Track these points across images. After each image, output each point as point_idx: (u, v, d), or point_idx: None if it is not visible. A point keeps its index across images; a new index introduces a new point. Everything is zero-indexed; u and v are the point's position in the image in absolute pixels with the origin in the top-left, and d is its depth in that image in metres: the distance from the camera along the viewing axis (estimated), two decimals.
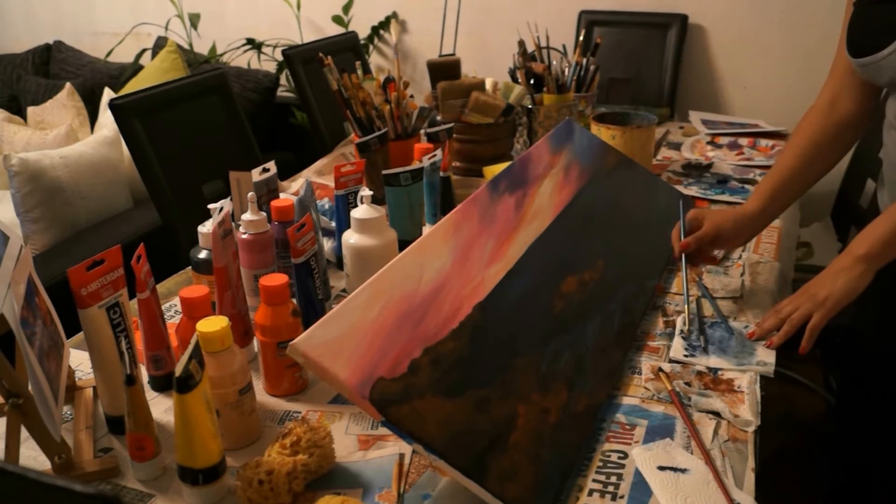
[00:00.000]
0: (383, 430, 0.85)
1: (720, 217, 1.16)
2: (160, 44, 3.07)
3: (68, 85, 2.80)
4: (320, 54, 1.64)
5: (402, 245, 1.05)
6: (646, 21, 2.48)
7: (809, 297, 1.00)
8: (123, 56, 3.14)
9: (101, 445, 0.86)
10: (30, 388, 0.73)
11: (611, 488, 0.77)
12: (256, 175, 1.17)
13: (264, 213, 1.06)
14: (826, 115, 1.13)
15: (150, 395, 0.92)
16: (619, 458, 0.81)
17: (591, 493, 0.76)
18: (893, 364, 1.10)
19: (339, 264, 1.23)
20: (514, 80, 1.85)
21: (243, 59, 3.04)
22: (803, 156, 1.14)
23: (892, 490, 1.13)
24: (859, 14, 1.05)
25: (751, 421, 0.86)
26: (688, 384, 0.93)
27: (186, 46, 3.12)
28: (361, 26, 2.81)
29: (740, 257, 1.27)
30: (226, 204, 0.99)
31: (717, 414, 0.87)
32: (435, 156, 1.28)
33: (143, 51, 3.08)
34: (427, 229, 1.31)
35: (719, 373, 0.95)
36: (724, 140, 1.92)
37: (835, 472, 1.29)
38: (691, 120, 2.11)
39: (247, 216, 1.04)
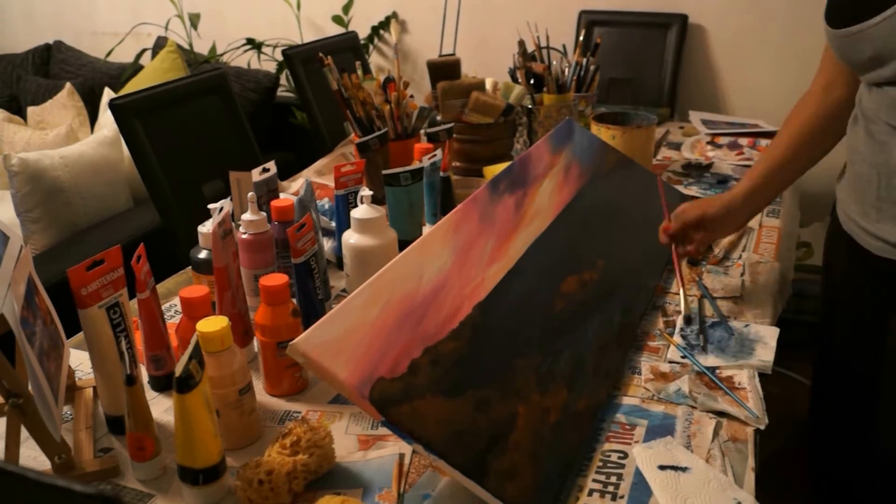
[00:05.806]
0: (383, 430, 0.85)
1: (706, 201, 1.15)
2: (160, 44, 3.07)
3: (68, 85, 2.80)
4: (320, 54, 1.64)
5: (402, 245, 1.05)
6: (646, 21, 2.48)
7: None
8: (123, 56, 3.14)
9: (101, 445, 0.86)
10: (30, 388, 0.73)
11: (611, 488, 0.77)
12: (256, 175, 1.17)
13: (264, 213, 1.06)
14: (820, 101, 1.12)
15: (150, 395, 0.92)
16: (619, 458, 0.81)
17: (591, 493, 0.76)
18: (866, 358, 1.08)
19: (339, 264, 1.23)
20: (514, 80, 1.85)
21: (243, 59, 3.04)
22: (797, 141, 1.13)
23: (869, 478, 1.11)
24: None
25: (759, 416, 0.86)
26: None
27: (186, 46, 3.12)
28: (361, 26, 2.81)
29: (740, 257, 1.27)
30: (226, 204, 0.99)
31: (724, 414, 0.87)
32: (435, 156, 1.28)
33: (143, 51, 3.08)
34: (427, 229, 1.31)
35: (717, 371, 0.95)
36: (724, 140, 1.92)
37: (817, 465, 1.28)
38: (691, 120, 2.11)
39: (247, 216, 1.04)
